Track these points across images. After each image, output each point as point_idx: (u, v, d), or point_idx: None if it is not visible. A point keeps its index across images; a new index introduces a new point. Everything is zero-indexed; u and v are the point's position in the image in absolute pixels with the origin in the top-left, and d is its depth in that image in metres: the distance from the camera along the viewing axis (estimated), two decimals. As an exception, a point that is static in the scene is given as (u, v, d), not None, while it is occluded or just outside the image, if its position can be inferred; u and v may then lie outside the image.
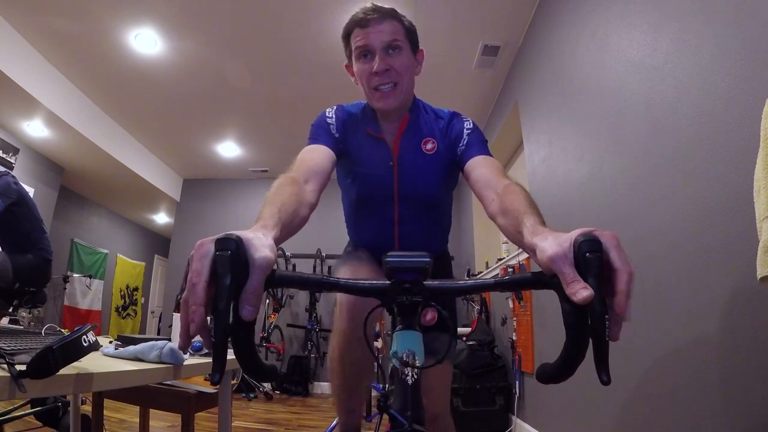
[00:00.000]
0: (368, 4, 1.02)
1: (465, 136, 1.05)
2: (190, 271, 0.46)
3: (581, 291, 0.44)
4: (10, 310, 2.40)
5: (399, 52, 1.01)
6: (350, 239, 1.30)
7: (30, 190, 4.03)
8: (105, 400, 1.68)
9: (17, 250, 2.27)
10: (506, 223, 0.73)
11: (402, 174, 1.08)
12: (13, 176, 2.32)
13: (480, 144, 1.03)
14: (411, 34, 1.05)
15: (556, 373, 0.50)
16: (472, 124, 1.08)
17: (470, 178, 0.98)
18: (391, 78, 1.00)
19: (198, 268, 0.46)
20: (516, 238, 0.67)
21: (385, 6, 1.02)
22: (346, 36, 1.04)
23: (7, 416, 1.98)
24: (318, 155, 0.97)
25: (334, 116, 1.09)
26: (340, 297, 1.03)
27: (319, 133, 1.04)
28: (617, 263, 0.46)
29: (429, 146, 1.08)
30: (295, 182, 0.79)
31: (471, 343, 3.03)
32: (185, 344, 0.47)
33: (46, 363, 0.64)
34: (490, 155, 1.01)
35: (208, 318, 0.45)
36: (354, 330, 0.95)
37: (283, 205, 0.66)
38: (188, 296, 0.45)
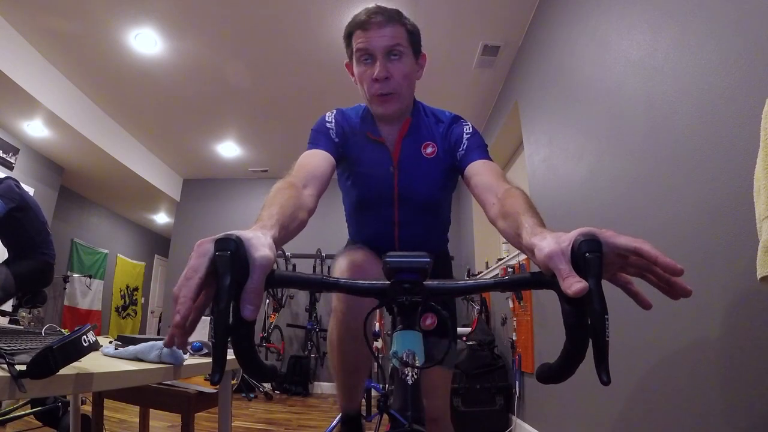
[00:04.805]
0: (372, 5, 1.00)
1: (465, 140, 1.04)
2: (187, 268, 0.46)
3: (574, 284, 0.44)
4: (10, 309, 2.39)
5: (400, 58, 0.99)
6: (350, 239, 1.30)
7: (30, 190, 4.03)
8: (105, 400, 1.68)
9: (20, 254, 2.27)
10: (506, 225, 0.73)
11: (402, 178, 1.08)
12: (15, 180, 2.31)
13: (480, 148, 1.03)
14: (414, 37, 1.03)
15: (556, 373, 0.50)
16: (471, 128, 1.07)
17: (470, 183, 0.97)
18: (391, 87, 0.99)
19: (195, 266, 0.46)
20: (515, 239, 0.67)
21: (389, 7, 1.00)
22: (348, 36, 1.03)
23: (7, 416, 1.98)
24: (317, 160, 0.96)
25: (333, 121, 1.08)
26: (337, 263, 1.05)
27: (319, 138, 1.04)
28: (633, 242, 0.48)
29: (429, 150, 1.08)
30: (293, 186, 0.79)
31: (471, 343, 3.03)
32: (170, 340, 0.45)
33: (46, 363, 0.63)
34: (490, 159, 1.01)
35: (205, 317, 0.45)
36: (352, 319, 0.98)
37: (282, 208, 0.66)
38: (179, 290, 0.45)
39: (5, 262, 2.23)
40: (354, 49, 1.01)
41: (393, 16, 0.99)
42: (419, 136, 1.09)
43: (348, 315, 0.98)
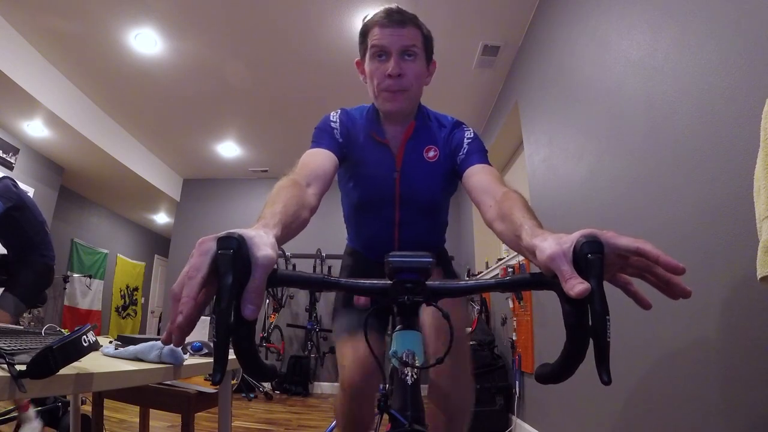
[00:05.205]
0: (393, 5, 1.02)
1: (465, 145, 1.05)
2: (189, 266, 0.45)
3: (577, 285, 0.44)
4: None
5: (414, 59, 1.01)
6: (348, 243, 1.31)
7: (30, 190, 4.04)
8: (105, 400, 1.68)
9: (20, 256, 2.26)
10: (504, 228, 0.73)
11: (404, 180, 1.09)
12: (12, 179, 2.30)
13: (479, 153, 1.04)
14: (428, 42, 1.05)
15: (555, 373, 0.50)
16: (472, 134, 1.09)
17: (468, 186, 0.98)
18: (402, 85, 1.01)
19: (197, 264, 0.45)
20: (514, 241, 0.67)
21: (407, 10, 1.02)
22: (364, 33, 1.04)
23: (8, 416, 1.98)
24: (320, 159, 0.97)
25: (338, 120, 1.08)
26: (339, 351, 1.06)
27: (323, 137, 1.04)
28: (634, 243, 0.48)
29: (431, 154, 1.09)
30: (296, 184, 0.78)
31: (471, 343, 3.03)
32: (168, 337, 0.44)
33: (46, 363, 0.63)
34: (489, 164, 1.02)
35: (205, 317, 0.45)
36: (360, 386, 1.00)
37: (285, 206, 0.65)
38: (181, 289, 0.44)
39: (7, 283, 2.21)
40: (369, 45, 1.02)
41: (411, 18, 1.01)
42: (422, 140, 1.10)
43: (356, 387, 1.02)
